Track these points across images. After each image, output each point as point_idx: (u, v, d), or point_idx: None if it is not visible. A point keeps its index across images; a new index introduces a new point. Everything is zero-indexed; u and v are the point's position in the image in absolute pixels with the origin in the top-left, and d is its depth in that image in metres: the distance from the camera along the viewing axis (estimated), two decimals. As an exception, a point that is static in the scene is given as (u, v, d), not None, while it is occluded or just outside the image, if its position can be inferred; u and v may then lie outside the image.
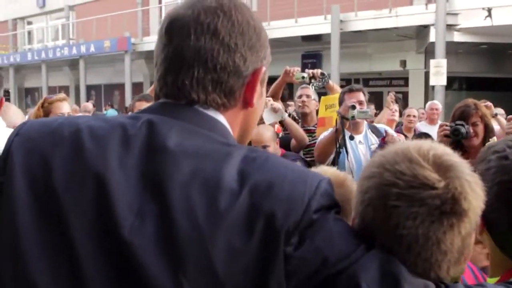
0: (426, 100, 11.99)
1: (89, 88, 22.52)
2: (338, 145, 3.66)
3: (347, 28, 14.02)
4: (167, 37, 0.99)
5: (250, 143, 3.37)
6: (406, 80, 15.74)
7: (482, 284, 1.08)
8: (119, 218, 0.86)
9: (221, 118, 0.98)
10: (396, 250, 0.91)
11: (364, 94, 3.96)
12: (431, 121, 6.90)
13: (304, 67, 6.78)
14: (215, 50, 0.96)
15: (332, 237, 0.87)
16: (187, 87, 0.97)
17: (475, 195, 0.93)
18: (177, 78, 0.97)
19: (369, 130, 3.95)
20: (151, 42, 17.49)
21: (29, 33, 27.76)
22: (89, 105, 10.99)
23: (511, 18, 11.50)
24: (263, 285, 0.84)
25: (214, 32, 0.96)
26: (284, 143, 4.31)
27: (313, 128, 4.63)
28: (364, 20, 13.93)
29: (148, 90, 4.74)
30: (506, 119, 4.54)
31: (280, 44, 14.31)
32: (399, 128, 6.38)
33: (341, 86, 5.14)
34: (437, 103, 7.36)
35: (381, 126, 4.17)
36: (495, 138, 3.27)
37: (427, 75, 13.42)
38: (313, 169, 1.56)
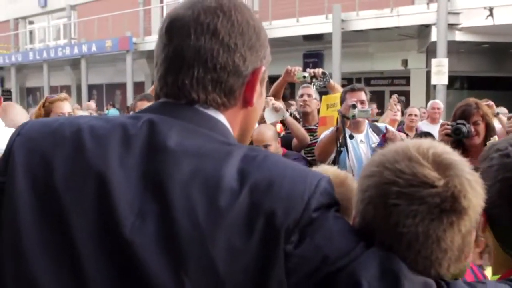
0: (427, 99, 11.99)
1: (90, 87, 22.51)
2: (339, 144, 3.66)
3: (348, 28, 14.00)
4: (167, 37, 0.99)
5: (251, 142, 3.38)
6: (407, 80, 15.71)
7: (483, 281, 1.08)
8: (120, 217, 0.87)
9: (221, 117, 0.99)
10: (396, 248, 0.91)
11: (366, 94, 3.97)
12: (433, 120, 6.90)
13: (305, 67, 6.78)
14: (215, 50, 0.96)
15: (331, 235, 0.88)
16: (187, 87, 0.97)
17: (474, 193, 0.93)
18: (177, 78, 0.98)
19: (370, 129, 3.96)
20: (152, 41, 17.44)
21: (31, 32, 27.77)
22: (92, 104, 11.05)
23: (513, 17, 11.51)
24: (264, 283, 0.85)
25: (214, 32, 0.97)
26: (286, 143, 4.31)
27: (315, 127, 4.64)
28: (366, 20, 13.91)
29: (149, 89, 4.75)
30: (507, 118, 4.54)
31: (281, 44, 14.32)
32: (401, 127, 6.38)
33: (343, 86, 5.14)
34: (439, 102, 7.35)
35: (382, 125, 4.17)
36: (496, 137, 3.27)
37: (428, 75, 13.41)
38: (314, 168, 1.56)
